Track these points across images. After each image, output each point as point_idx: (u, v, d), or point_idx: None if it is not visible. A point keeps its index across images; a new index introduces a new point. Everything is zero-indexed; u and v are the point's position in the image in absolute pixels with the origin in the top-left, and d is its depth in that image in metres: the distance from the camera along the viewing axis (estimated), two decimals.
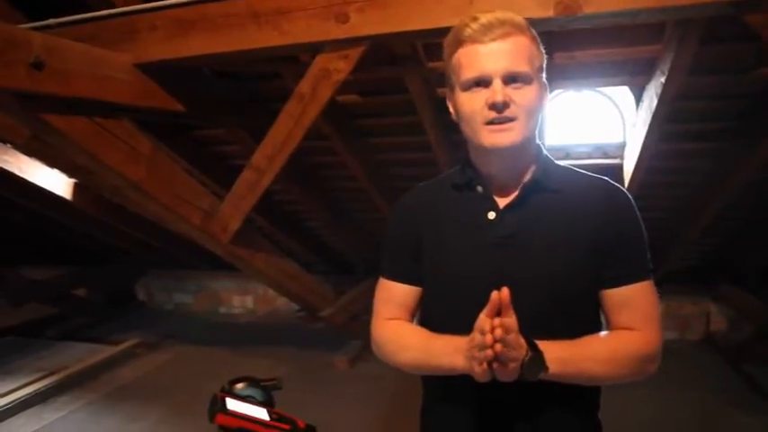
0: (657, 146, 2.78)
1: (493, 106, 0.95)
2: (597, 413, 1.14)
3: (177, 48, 2.03)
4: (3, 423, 3.30)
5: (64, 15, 2.14)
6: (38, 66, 1.71)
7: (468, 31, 0.97)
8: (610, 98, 3.39)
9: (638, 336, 1.02)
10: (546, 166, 1.07)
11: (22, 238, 5.77)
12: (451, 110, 1.08)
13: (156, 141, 2.36)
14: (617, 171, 3.31)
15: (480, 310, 0.92)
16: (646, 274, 1.05)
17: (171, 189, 2.41)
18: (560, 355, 0.94)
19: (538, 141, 1.08)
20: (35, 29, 1.91)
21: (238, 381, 1.54)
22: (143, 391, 3.91)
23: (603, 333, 1.06)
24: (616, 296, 1.03)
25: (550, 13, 1.68)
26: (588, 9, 1.68)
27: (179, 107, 2.36)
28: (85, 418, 3.46)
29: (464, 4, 1.73)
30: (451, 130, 2.95)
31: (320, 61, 1.96)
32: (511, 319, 0.88)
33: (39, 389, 3.68)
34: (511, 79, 0.96)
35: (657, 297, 1.06)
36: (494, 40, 0.95)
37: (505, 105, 0.95)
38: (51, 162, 3.29)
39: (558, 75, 2.50)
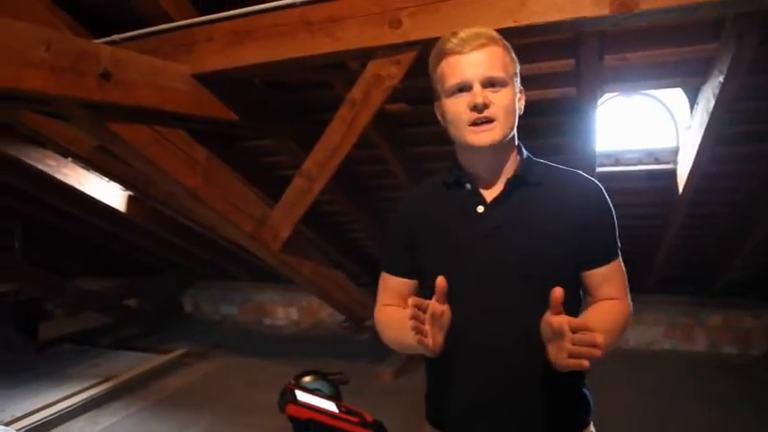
0: (714, 149, 2.69)
1: (474, 107, 1.07)
2: (584, 387, 1.23)
3: (232, 58, 2.10)
4: (62, 426, 3.42)
5: (125, 32, 2.25)
6: (106, 76, 1.79)
7: (449, 45, 1.10)
8: (661, 101, 3.31)
9: (622, 303, 1.17)
10: (527, 162, 1.19)
11: (78, 250, 6.00)
12: (439, 117, 1.19)
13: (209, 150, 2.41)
14: (670, 176, 3.21)
15: (471, 297, 1.11)
16: (617, 252, 1.18)
17: (224, 196, 2.47)
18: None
19: (517, 141, 1.19)
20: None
21: (306, 374, 1.55)
22: (192, 399, 3.98)
23: (597, 305, 1.16)
24: (598, 274, 1.15)
25: (606, 11, 1.66)
26: (645, 5, 1.65)
27: (233, 116, 2.43)
28: (138, 423, 3.54)
29: (516, 6, 1.73)
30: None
31: (372, 67, 1.99)
32: (561, 318, 0.94)
33: (94, 395, 3.80)
34: (489, 83, 1.08)
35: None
36: (472, 50, 1.08)
37: (485, 106, 1.07)
38: (111, 174, 3.41)
39: (609, 78, 2.45)
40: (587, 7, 1.67)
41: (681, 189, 3.10)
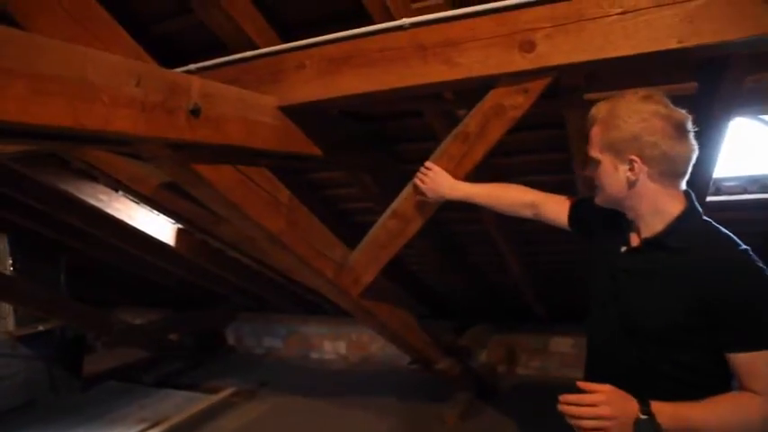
0: None
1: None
2: None
3: (328, 88, 1.85)
4: None
5: (200, 59, 2.03)
6: (196, 113, 1.55)
7: None
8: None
9: (758, 400, 1.10)
10: (679, 225, 1.21)
11: (121, 282, 5.83)
12: None
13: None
14: None
15: (597, 324, 1.36)
16: (763, 343, 1.10)
17: (307, 240, 2.21)
18: (675, 417, 1.06)
19: (690, 194, 1.26)
20: None
21: None
22: None
23: (726, 395, 1.14)
24: (736, 360, 1.12)
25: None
26: None
27: (317, 151, 2.19)
28: None
29: (681, 24, 1.45)
30: None
31: (494, 96, 1.72)
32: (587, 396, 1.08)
33: None
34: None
35: None
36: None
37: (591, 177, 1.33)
38: (174, 214, 3.19)
39: (745, 101, 2.16)
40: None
41: None
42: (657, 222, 1.24)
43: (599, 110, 1.26)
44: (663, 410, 1.06)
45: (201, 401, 4.38)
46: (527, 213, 1.76)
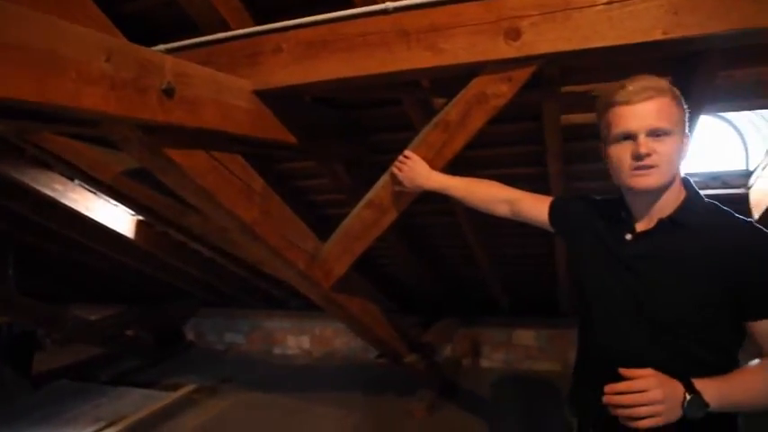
0: None
1: (637, 157, 1.17)
2: (737, 423, 1.24)
3: (306, 72, 1.79)
4: None
5: (170, 40, 1.93)
6: (169, 93, 1.47)
7: (617, 97, 1.20)
8: (730, 122, 3.10)
9: None
10: (689, 203, 1.24)
11: (74, 277, 5.57)
12: (603, 157, 1.31)
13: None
14: (743, 201, 2.98)
15: (605, 318, 1.30)
16: None
17: (280, 231, 2.14)
18: (718, 393, 1.06)
19: (688, 179, 1.27)
20: None
21: None
22: None
23: (756, 362, 1.15)
24: (760, 327, 1.14)
25: None
26: None
27: (292, 139, 2.12)
28: None
29: (666, 15, 1.46)
30: (571, 161, 2.68)
31: (477, 84, 1.69)
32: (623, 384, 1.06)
33: None
34: (653, 133, 1.16)
35: None
36: (640, 101, 1.17)
37: (647, 155, 1.16)
38: (135, 203, 3.05)
39: (718, 97, 2.21)
40: (755, 16, 1.41)
41: (757, 214, 2.87)
42: (670, 205, 1.23)
43: (659, 82, 1.18)
44: (707, 387, 1.06)
45: (161, 399, 4.22)
46: (503, 210, 1.73)
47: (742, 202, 3.00)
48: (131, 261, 4.57)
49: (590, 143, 2.44)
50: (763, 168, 2.84)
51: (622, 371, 1.08)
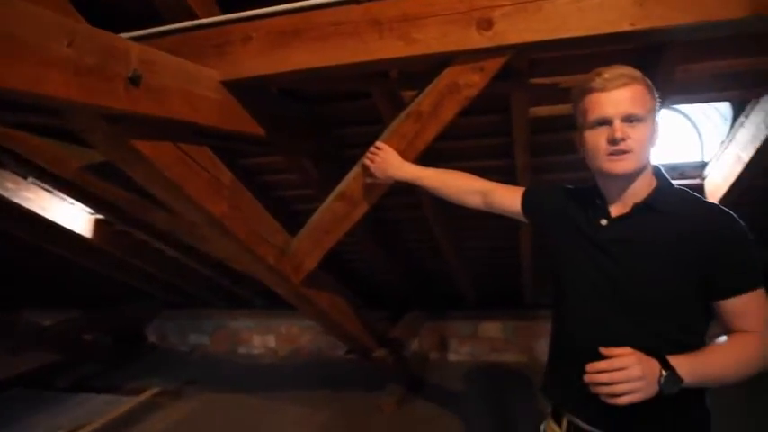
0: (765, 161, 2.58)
1: (612, 141, 1.21)
2: (705, 401, 1.29)
3: (277, 62, 1.75)
4: None
5: (131, 29, 1.86)
6: (135, 81, 1.42)
7: (593, 84, 1.24)
8: (685, 115, 3.21)
9: (758, 337, 1.18)
10: (661, 190, 1.29)
11: (24, 279, 5.33)
12: (578, 145, 1.35)
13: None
14: (698, 192, 3.10)
15: (582, 303, 1.33)
16: (755, 284, 1.19)
17: (249, 225, 2.10)
18: (692, 369, 1.11)
19: (659, 167, 1.32)
20: None
21: None
22: None
23: (724, 338, 1.21)
24: (731, 305, 1.19)
25: (741, 13, 1.44)
26: None
27: (260, 131, 2.08)
28: None
29: (632, 7, 1.50)
30: (539, 154, 2.72)
31: (449, 74, 1.70)
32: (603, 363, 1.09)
33: None
34: (628, 119, 1.21)
35: None
36: (614, 88, 1.21)
37: (622, 140, 1.20)
38: (95, 200, 2.93)
39: (676, 91, 2.28)
40: (717, 9, 1.46)
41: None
42: (643, 190, 1.28)
43: (633, 71, 1.23)
44: (681, 363, 1.10)
45: (123, 404, 4.09)
46: (475, 201, 1.74)
47: (698, 192, 3.10)
48: (88, 262, 4.41)
49: (558, 135, 2.50)
50: (717, 160, 2.95)
51: (603, 350, 1.10)
